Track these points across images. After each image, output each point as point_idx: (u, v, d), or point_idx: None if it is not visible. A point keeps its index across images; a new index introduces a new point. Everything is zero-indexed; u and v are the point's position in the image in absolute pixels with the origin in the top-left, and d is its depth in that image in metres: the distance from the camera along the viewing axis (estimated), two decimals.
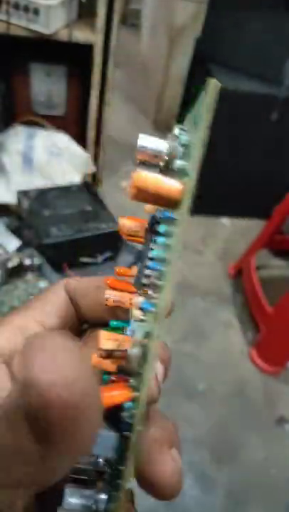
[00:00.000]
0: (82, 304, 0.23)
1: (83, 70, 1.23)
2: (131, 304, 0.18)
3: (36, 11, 1.07)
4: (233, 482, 0.93)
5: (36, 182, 1.28)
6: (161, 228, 0.17)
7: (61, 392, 0.12)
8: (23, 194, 1.19)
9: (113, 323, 0.19)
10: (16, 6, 1.07)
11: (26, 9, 1.07)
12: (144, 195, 0.15)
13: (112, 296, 0.19)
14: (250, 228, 1.54)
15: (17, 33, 1.10)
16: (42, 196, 1.19)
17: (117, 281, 0.20)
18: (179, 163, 0.16)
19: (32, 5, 1.06)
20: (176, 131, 0.16)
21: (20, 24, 1.09)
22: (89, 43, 1.14)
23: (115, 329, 0.19)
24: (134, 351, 0.16)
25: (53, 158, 1.28)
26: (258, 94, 1.34)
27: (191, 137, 0.15)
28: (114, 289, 0.20)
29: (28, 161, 1.28)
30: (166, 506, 0.90)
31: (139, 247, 0.19)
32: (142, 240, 0.19)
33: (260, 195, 1.51)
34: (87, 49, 1.15)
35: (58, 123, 1.34)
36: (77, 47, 1.15)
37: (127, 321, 0.18)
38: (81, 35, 1.14)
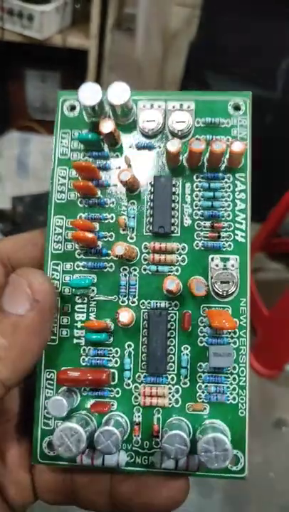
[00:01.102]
0: (19, 265, 0.27)
1: (78, 75, 1.23)
2: None
3: (30, 17, 1.07)
4: (231, 485, 0.92)
5: (31, 187, 1.28)
6: None
7: None
8: (17, 199, 1.20)
9: None
10: (11, 12, 1.08)
11: (20, 15, 1.07)
12: None
13: None
14: None
15: (11, 38, 1.11)
16: (37, 201, 1.19)
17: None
18: None
19: (26, 11, 1.07)
20: None
21: (14, 30, 1.10)
22: (83, 48, 1.15)
23: None
24: None
25: (48, 164, 1.28)
26: (252, 97, 1.34)
27: None
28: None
29: (22, 166, 1.29)
30: None
31: None
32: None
33: (255, 198, 1.51)
34: (82, 54, 1.16)
35: (52, 128, 1.34)
36: (72, 52, 1.15)
37: None
38: (75, 40, 1.15)
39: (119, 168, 0.28)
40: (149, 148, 0.28)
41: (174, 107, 0.28)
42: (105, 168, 0.28)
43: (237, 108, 0.29)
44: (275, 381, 1.13)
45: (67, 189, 0.29)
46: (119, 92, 0.26)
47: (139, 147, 0.28)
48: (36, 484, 0.27)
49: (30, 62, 1.25)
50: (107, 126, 0.26)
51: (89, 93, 0.26)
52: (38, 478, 0.27)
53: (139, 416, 0.26)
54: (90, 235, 0.26)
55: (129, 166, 0.28)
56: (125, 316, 0.25)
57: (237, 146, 0.26)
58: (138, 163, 0.28)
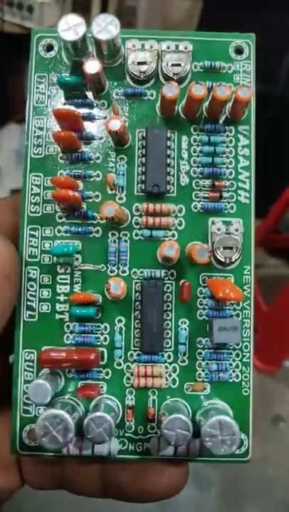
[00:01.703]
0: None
1: None
2: None
3: (30, 9, 1.06)
4: (228, 481, 0.91)
5: None
6: None
7: None
8: (17, 192, 1.16)
9: None
10: (10, 3, 1.07)
11: (20, 6, 1.07)
12: None
13: None
14: None
15: (11, 30, 1.09)
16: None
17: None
18: None
19: (26, 2, 1.06)
20: None
21: (14, 21, 1.09)
22: None
23: None
24: None
25: None
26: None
27: None
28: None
29: (22, 159, 1.25)
30: (161, 506, 0.87)
31: None
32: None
33: (255, 193, 1.50)
34: None
35: None
36: None
37: None
38: None
39: (106, 118, 0.25)
40: (140, 95, 0.25)
41: (168, 47, 0.25)
42: (90, 118, 0.25)
43: (239, 51, 0.25)
44: (273, 377, 1.13)
45: (45, 142, 0.24)
46: (105, 26, 0.22)
47: (129, 94, 0.25)
48: (23, 469, 0.24)
49: (29, 54, 1.19)
50: (92, 65, 0.22)
51: (70, 26, 0.22)
52: (24, 463, 0.24)
53: (132, 399, 0.23)
54: (73, 194, 0.23)
55: (118, 116, 0.24)
56: (118, 287, 0.22)
57: (243, 93, 0.22)
58: (127, 113, 0.25)
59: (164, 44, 0.25)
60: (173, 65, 0.24)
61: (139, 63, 0.24)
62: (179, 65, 0.24)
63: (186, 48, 0.25)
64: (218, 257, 0.23)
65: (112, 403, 0.23)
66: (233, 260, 0.24)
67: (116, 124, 0.22)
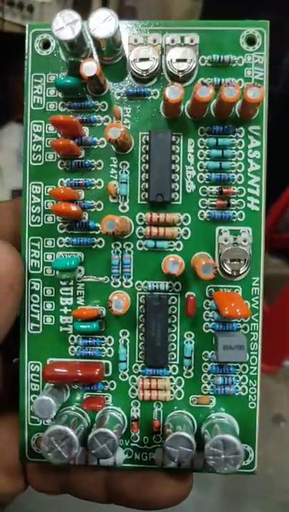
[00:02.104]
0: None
1: None
2: None
3: (31, 8, 1.06)
4: (228, 480, 0.91)
5: None
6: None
7: None
8: (17, 192, 1.16)
9: None
10: (11, 3, 1.06)
11: (21, 6, 1.06)
12: None
13: None
14: None
15: (11, 30, 1.08)
16: None
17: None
18: None
19: (26, 1, 1.05)
20: None
21: (14, 21, 1.08)
22: None
23: None
24: None
25: None
26: None
27: None
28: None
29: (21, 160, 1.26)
30: None
31: None
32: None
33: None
34: None
35: None
36: None
37: None
38: None
39: (107, 121, 0.23)
40: (143, 95, 0.23)
41: (173, 41, 0.23)
42: (89, 122, 0.23)
43: (251, 41, 0.23)
44: (273, 377, 1.12)
45: (44, 148, 0.23)
46: (103, 22, 0.21)
47: (131, 94, 0.23)
48: (28, 473, 0.25)
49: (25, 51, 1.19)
50: (89, 67, 0.21)
51: (65, 24, 0.21)
52: (29, 468, 0.25)
53: (137, 410, 0.23)
54: (74, 208, 0.22)
55: (119, 119, 0.23)
56: (119, 304, 0.21)
57: (253, 94, 0.21)
58: (129, 114, 0.23)
59: (168, 37, 0.23)
60: (178, 60, 0.22)
61: (142, 59, 0.22)
62: (185, 60, 0.22)
63: (192, 41, 0.23)
64: (224, 269, 0.22)
65: (117, 415, 0.23)
66: (240, 272, 0.23)
67: (116, 133, 0.21)
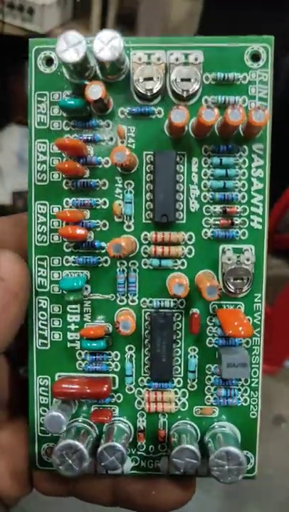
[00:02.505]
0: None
1: None
2: None
3: (31, 11, 1.05)
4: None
5: None
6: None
7: None
8: (17, 194, 1.17)
9: None
10: (11, 5, 1.06)
11: (21, 8, 1.06)
12: None
13: None
14: None
15: (12, 32, 1.08)
16: None
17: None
18: None
19: (27, 4, 1.05)
20: None
21: (15, 23, 1.08)
22: None
23: None
24: None
25: None
26: None
27: None
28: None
29: (23, 160, 1.25)
30: None
31: None
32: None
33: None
34: None
35: None
36: None
37: None
38: None
39: (111, 139, 0.23)
40: (147, 114, 0.23)
41: (177, 59, 0.22)
42: (94, 141, 0.23)
43: (256, 58, 0.23)
44: (274, 377, 1.13)
45: (49, 168, 0.23)
46: (108, 43, 0.21)
47: (135, 114, 0.23)
48: (35, 477, 0.26)
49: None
50: (95, 91, 0.21)
51: (69, 46, 0.20)
52: (37, 473, 0.26)
53: (143, 421, 0.24)
54: (81, 232, 0.22)
55: (124, 138, 0.23)
56: (127, 325, 0.22)
57: (258, 117, 0.21)
58: (133, 134, 0.23)
59: (173, 56, 0.22)
60: (182, 80, 0.22)
61: (146, 79, 0.22)
62: (189, 80, 0.22)
63: (196, 60, 0.22)
64: (228, 287, 0.23)
65: (124, 426, 0.24)
66: (243, 291, 0.23)
67: (122, 157, 0.21)
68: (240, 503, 0.94)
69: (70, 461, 0.22)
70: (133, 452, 0.25)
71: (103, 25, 1.16)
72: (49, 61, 0.23)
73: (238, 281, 0.23)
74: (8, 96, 1.30)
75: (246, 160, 0.23)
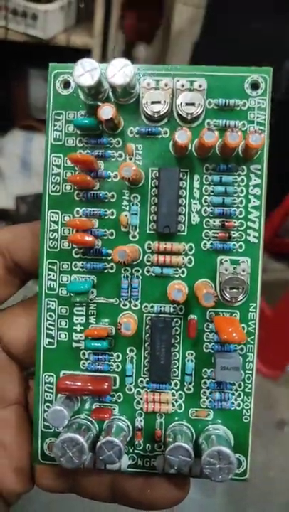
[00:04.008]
0: (18, 255, 0.27)
1: None
2: None
3: (34, 17, 1.06)
4: (232, 485, 0.89)
5: (34, 186, 1.24)
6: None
7: None
8: (20, 199, 1.18)
9: None
10: (14, 12, 1.07)
11: (24, 14, 1.07)
12: None
13: None
14: None
15: (15, 38, 1.10)
16: (40, 201, 1.17)
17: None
18: None
19: (30, 10, 1.06)
20: None
21: (18, 29, 1.09)
22: (87, 47, 1.13)
23: None
24: None
25: None
26: None
27: None
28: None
29: (26, 165, 1.27)
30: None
31: None
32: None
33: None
34: (85, 53, 1.11)
35: None
36: (75, 51, 1.13)
37: None
38: (79, 39, 1.13)
39: (120, 156, 0.25)
40: (154, 134, 0.25)
41: (182, 85, 0.25)
42: (104, 157, 0.25)
43: (255, 86, 0.25)
44: (277, 382, 1.13)
45: (62, 180, 0.26)
46: (120, 70, 0.23)
47: (143, 133, 0.25)
48: (37, 473, 0.28)
49: (33, 61, 1.21)
50: (106, 112, 0.23)
51: (85, 71, 0.23)
52: (39, 468, 0.27)
53: (141, 421, 0.26)
54: (89, 239, 0.24)
55: (132, 155, 0.25)
56: (128, 327, 0.24)
57: (255, 140, 0.23)
58: (141, 151, 0.25)
59: (179, 82, 0.25)
60: (187, 104, 0.24)
61: (154, 102, 0.24)
62: (193, 104, 0.24)
63: (200, 86, 0.25)
64: (224, 296, 0.25)
65: (122, 424, 0.25)
66: (239, 299, 0.25)
67: (128, 171, 0.23)
68: (243, 507, 0.93)
69: (70, 454, 0.23)
70: (131, 450, 0.26)
71: (106, 31, 1.16)
72: (66, 84, 0.25)
73: (234, 290, 0.25)
74: (11, 101, 1.31)
75: (244, 178, 0.25)
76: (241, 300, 0.25)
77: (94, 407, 0.26)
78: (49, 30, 1.09)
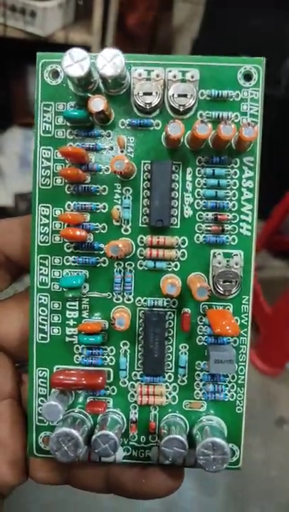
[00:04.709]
0: (8, 249, 0.26)
1: None
2: None
3: (33, 14, 1.06)
4: (232, 483, 0.92)
5: None
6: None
7: None
8: (20, 196, 1.18)
9: None
10: (13, 9, 1.06)
11: (23, 11, 1.07)
12: None
13: None
14: None
15: (14, 35, 1.09)
16: None
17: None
18: None
19: (29, 7, 1.06)
20: None
21: (16, 26, 1.09)
22: (85, 44, 1.13)
23: None
24: None
25: None
26: None
27: None
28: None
29: (25, 163, 1.27)
30: (166, 508, 0.90)
31: None
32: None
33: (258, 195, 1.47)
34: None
35: None
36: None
37: None
38: (78, 37, 1.13)
39: (111, 149, 0.25)
40: (146, 126, 0.25)
41: (175, 76, 0.24)
42: (95, 149, 0.25)
43: (248, 77, 0.25)
44: (277, 379, 1.13)
45: (53, 173, 0.25)
46: (111, 60, 0.22)
47: (135, 125, 0.25)
48: (32, 465, 0.28)
49: (32, 58, 1.17)
50: (97, 104, 0.23)
51: (74, 62, 0.22)
52: (33, 460, 0.28)
53: (135, 413, 0.26)
54: (81, 233, 0.24)
55: (123, 147, 0.25)
56: (122, 322, 0.23)
57: (248, 133, 0.22)
58: (133, 144, 0.25)
59: (171, 73, 0.24)
60: (179, 95, 0.24)
61: (145, 93, 0.24)
62: (186, 95, 0.24)
63: (192, 77, 0.24)
64: (217, 289, 0.25)
65: (117, 417, 0.26)
66: (232, 292, 0.25)
67: (121, 165, 0.23)
68: (243, 504, 0.94)
69: (65, 448, 0.23)
70: (125, 442, 0.26)
71: (104, 29, 1.16)
72: (55, 74, 0.25)
73: (227, 283, 0.25)
74: (9, 99, 1.31)
75: (237, 171, 0.25)
76: (234, 293, 0.25)
77: (88, 400, 0.26)
78: (47, 28, 1.09)
